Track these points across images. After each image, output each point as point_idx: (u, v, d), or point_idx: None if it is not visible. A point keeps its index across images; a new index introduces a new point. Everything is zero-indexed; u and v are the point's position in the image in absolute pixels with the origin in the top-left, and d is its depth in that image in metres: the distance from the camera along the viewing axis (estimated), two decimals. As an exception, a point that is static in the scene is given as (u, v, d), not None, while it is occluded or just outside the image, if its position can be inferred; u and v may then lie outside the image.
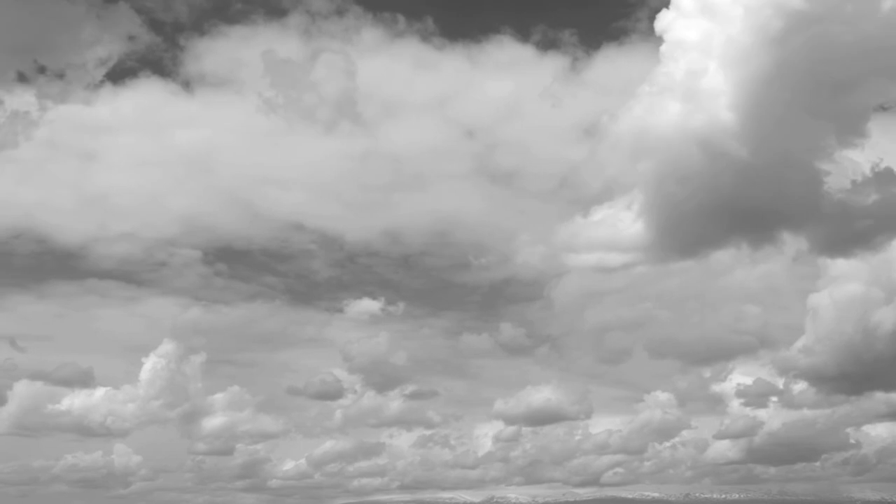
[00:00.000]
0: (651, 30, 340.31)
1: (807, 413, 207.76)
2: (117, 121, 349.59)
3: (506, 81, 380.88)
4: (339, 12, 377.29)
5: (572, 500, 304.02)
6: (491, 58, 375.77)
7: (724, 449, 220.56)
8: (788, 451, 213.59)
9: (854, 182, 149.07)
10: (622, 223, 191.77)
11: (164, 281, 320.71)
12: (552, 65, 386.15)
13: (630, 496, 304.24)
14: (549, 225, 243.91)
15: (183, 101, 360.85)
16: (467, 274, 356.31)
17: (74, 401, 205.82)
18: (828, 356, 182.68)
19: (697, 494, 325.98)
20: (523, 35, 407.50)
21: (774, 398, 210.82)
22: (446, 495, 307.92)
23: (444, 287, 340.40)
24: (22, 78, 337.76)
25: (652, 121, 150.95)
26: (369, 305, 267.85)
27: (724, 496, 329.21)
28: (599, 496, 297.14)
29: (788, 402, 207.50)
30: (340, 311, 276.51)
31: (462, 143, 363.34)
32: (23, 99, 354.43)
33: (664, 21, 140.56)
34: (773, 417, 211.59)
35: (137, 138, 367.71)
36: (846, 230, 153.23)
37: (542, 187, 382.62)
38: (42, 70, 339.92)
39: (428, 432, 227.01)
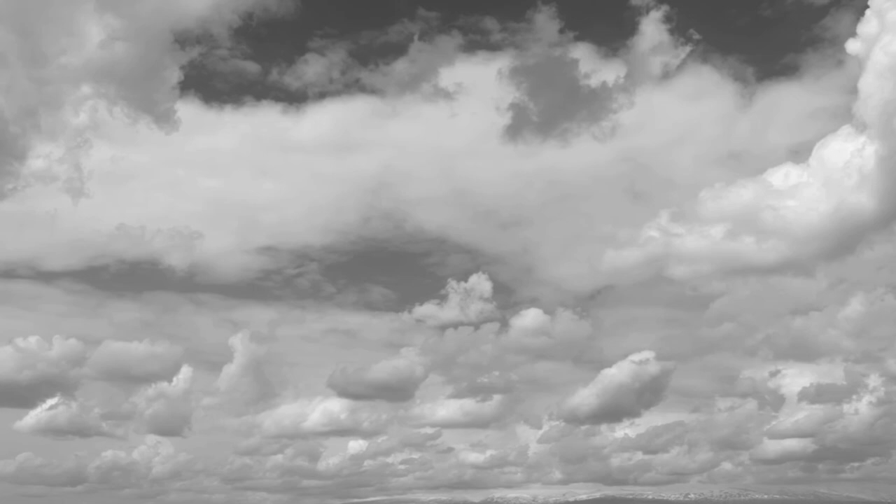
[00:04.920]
0: (824, 64, 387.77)
1: (880, 410, 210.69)
2: (305, 139, 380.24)
3: (685, 108, 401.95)
4: (560, 43, 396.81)
5: (572, 499, 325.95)
6: (681, 85, 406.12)
7: (781, 448, 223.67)
8: (853, 450, 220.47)
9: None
10: (746, 226, 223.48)
11: (267, 291, 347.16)
12: (727, 94, 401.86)
13: (630, 496, 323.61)
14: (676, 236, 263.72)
15: (380, 122, 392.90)
16: (579, 281, 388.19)
17: (142, 402, 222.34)
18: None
19: (697, 494, 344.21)
20: (711, 64, 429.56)
21: (854, 396, 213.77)
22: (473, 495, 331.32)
23: (554, 291, 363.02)
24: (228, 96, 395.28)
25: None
26: (458, 310, 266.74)
27: (723, 495, 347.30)
28: (599, 496, 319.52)
29: (870, 399, 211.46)
30: (430, 314, 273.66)
31: (620, 166, 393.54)
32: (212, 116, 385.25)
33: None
34: (845, 416, 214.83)
35: (318, 156, 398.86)
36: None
37: (674, 206, 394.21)
38: (245, 91, 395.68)
39: (484, 432, 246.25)
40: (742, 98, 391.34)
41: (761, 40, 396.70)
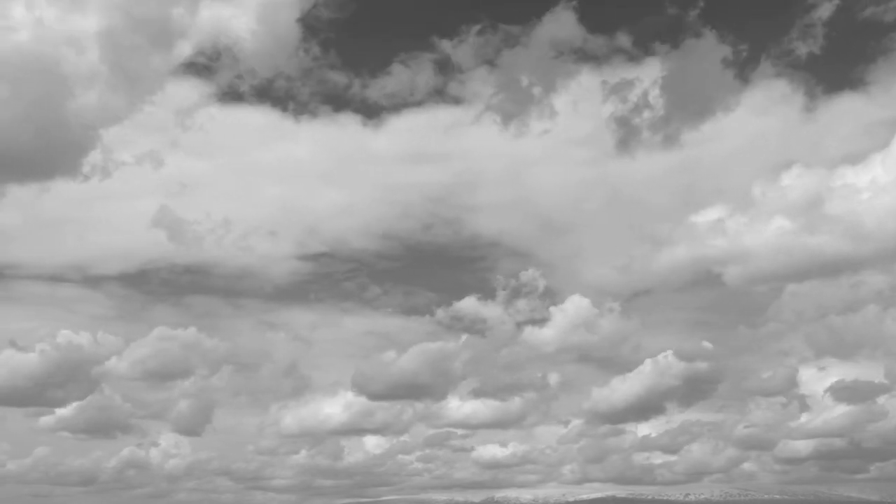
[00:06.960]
0: (892, 76, 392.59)
1: None
2: (381, 148, 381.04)
3: (751, 119, 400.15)
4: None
5: (573, 500, 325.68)
6: (750, 97, 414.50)
7: (805, 447, 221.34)
8: (881, 449, 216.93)
9: None
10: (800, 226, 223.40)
11: (312, 295, 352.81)
12: (794, 106, 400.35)
13: (630, 496, 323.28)
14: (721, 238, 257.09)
15: (457, 132, 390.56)
16: (622, 283, 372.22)
17: (169, 401, 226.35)
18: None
19: (697, 495, 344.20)
20: (785, 77, 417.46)
21: (888, 394, 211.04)
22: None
23: (596, 293, 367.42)
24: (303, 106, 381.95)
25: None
26: (500, 310, 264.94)
27: (724, 495, 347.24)
28: (600, 496, 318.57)
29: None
30: (468, 312, 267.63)
31: (681, 175, 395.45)
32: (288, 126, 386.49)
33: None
34: (876, 415, 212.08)
35: (392, 166, 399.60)
36: None
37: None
38: (328, 101, 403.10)
39: (510, 431, 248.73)
40: (808, 111, 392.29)
41: (830, 53, 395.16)
